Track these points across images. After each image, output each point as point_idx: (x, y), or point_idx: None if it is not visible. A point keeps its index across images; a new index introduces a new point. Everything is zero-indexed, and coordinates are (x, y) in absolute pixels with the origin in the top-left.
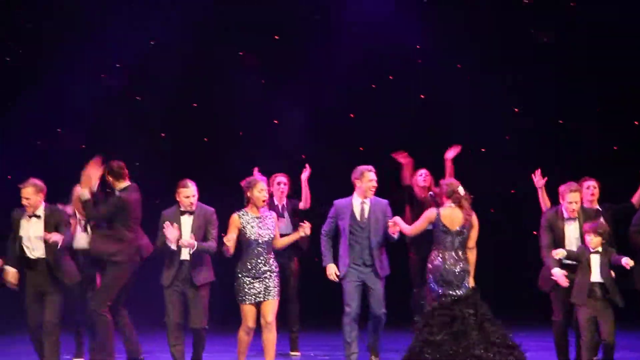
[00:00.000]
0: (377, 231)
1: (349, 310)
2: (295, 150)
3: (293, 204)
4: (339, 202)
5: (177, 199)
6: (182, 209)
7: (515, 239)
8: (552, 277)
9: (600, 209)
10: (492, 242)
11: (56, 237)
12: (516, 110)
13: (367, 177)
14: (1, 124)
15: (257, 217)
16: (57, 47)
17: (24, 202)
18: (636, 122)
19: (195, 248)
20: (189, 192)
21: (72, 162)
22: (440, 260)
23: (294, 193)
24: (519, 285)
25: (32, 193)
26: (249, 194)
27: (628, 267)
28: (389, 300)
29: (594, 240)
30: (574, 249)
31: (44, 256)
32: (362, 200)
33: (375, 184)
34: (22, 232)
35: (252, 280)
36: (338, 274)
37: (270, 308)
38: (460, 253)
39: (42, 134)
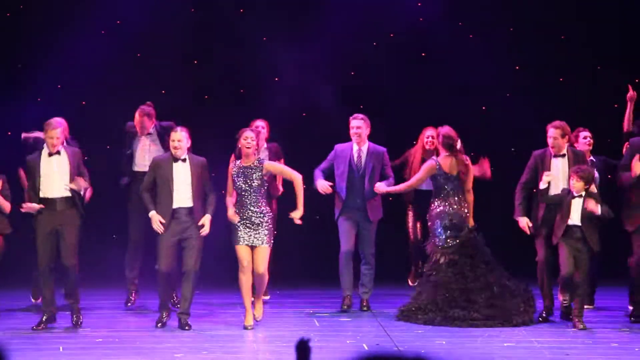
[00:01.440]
0: (372, 178)
1: (344, 249)
2: (296, 109)
3: (275, 148)
4: (338, 146)
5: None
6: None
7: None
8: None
9: (594, 160)
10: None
11: (84, 184)
12: (517, 67)
13: (351, 125)
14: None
15: (244, 167)
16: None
17: (52, 141)
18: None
19: None
20: (174, 137)
21: (73, 119)
22: (446, 205)
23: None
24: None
25: (60, 133)
26: (238, 144)
27: (596, 213)
28: (389, 257)
29: (576, 185)
30: (560, 184)
31: (63, 195)
32: (360, 147)
33: (356, 131)
34: (43, 172)
35: (243, 225)
36: (329, 188)
37: (261, 256)
38: (461, 197)
39: (42, 92)
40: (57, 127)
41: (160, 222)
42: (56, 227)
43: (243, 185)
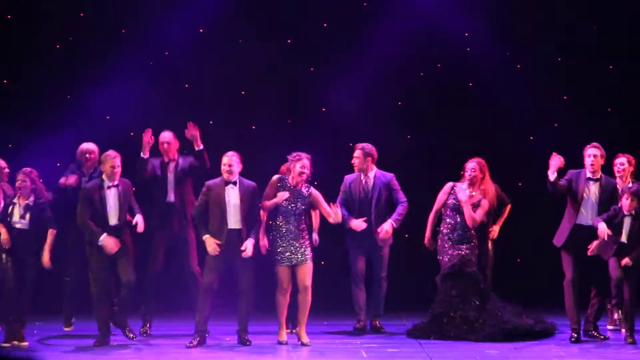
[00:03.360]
0: (379, 204)
1: (354, 272)
2: (344, 137)
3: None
4: (348, 177)
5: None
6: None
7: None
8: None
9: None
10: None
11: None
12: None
13: (354, 155)
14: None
15: (292, 187)
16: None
17: (116, 170)
18: None
19: None
20: (225, 161)
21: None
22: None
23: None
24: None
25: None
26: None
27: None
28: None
29: (630, 204)
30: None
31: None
32: (366, 174)
33: (354, 160)
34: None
35: (285, 244)
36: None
37: (304, 272)
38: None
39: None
40: (117, 156)
41: (217, 244)
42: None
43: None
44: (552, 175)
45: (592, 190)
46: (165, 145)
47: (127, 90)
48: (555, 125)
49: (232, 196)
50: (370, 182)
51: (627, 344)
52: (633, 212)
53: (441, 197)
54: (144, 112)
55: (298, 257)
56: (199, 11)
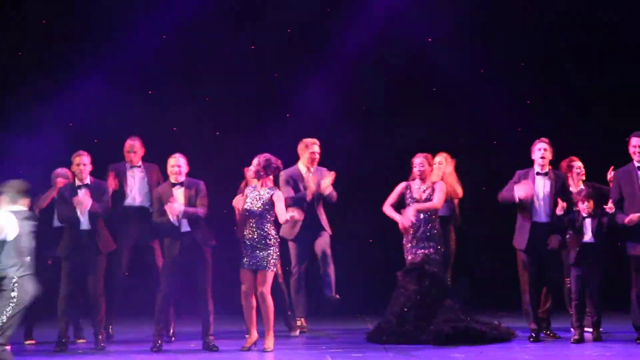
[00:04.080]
0: (321, 196)
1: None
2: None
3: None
4: (287, 171)
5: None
6: (172, 181)
7: None
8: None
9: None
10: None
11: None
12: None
13: (310, 149)
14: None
15: (253, 188)
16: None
17: (84, 168)
18: None
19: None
20: (172, 162)
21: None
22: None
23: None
24: None
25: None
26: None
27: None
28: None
29: (586, 206)
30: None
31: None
32: (307, 169)
33: (316, 156)
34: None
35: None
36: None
37: (261, 279)
38: None
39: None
40: (84, 155)
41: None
42: None
43: (246, 207)
44: (516, 197)
45: (543, 184)
46: (132, 155)
47: (92, 95)
48: (519, 129)
49: (180, 198)
50: (311, 176)
51: (591, 341)
52: (592, 212)
53: (393, 195)
54: (109, 118)
55: (258, 262)
56: (164, 16)
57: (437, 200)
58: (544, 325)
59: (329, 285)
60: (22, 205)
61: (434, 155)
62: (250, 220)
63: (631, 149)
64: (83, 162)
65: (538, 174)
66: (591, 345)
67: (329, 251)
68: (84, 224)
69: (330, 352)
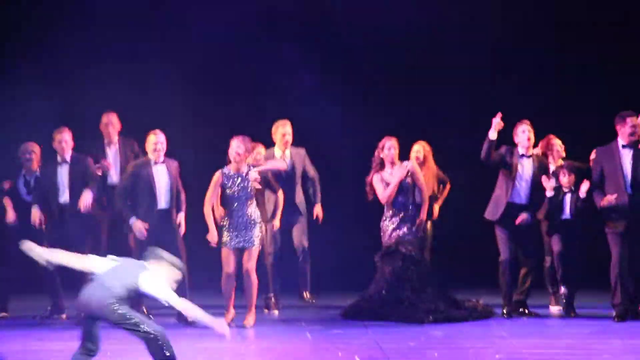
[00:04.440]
0: (299, 177)
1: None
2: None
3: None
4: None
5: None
6: (152, 159)
7: None
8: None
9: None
10: None
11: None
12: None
13: (280, 131)
14: None
15: (234, 174)
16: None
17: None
18: None
19: None
20: (153, 139)
21: None
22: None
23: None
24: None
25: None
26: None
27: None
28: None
29: (567, 180)
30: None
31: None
32: (282, 152)
33: (287, 138)
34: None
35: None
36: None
37: (247, 256)
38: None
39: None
40: (65, 131)
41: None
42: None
43: (227, 192)
44: (492, 134)
45: (526, 167)
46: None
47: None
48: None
49: (161, 176)
50: (289, 158)
51: (566, 317)
52: (572, 187)
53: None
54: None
55: (245, 241)
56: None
57: (423, 186)
58: (521, 305)
59: (304, 285)
60: None
61: (411, 144)
62: (235, 203)
63: (627, 129)
64: (64, 139)
65: (522, 156)
66: (569, 323)
67: (306, 243)
68: (63, 198)
69: (310, 329)
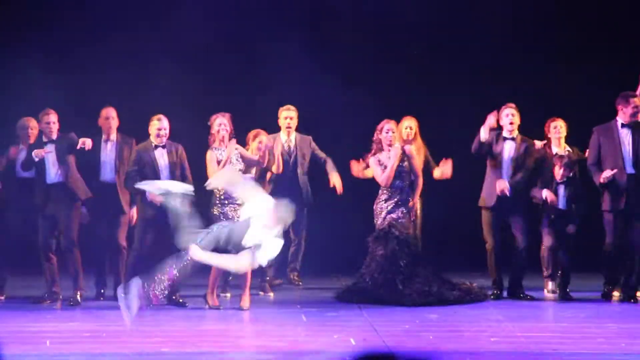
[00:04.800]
0: (303, 164)
1: None
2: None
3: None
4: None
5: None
6: (154, 142)
7: None
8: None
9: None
10: None
11: None
12: None
13: (282, 115)
14: None
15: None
16: None
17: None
18: None
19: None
20: (158, 125)
21: None
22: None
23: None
24: None
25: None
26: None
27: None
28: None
29: (561, 173)
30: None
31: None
32: (287, 136)
33: (289, 122)
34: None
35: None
36: None
37: None
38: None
39: None
40: (52, 113)
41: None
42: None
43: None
44: (484, 134)
45: (509, 149)
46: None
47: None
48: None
49: (163, 159)
50: (292, 144)
51: (561, 301)
52: (565, 179)
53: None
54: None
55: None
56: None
57: (419, 171)
58: (517, 288)
59: (294, 268)
60: None
61: (399, 120)
62: None
63: (630, 110)
64: (52, 120)
65: (505, 138)
66: (564, 306)
67: (304, 231)
68: (51, 176)
69: (305, 311)
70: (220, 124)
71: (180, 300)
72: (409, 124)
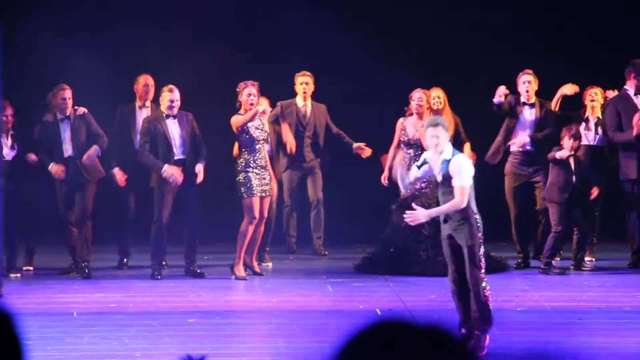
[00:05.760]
0: (319, 131)
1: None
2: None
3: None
4: (283, 103)
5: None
6: (165, 112)
7: None
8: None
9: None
10: None
11: None
12: None
13: (298, 81)
14: None
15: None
16: None
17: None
18: None
19: None
20: (170, 97)
21: None
22: None
23: None
24: None
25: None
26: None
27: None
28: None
29: (570, 145)
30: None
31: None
32: (304, 102)
33: (304, 87)
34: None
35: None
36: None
37: (267, 204)
38: None
39: None
40: (67, 89)
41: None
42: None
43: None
44: (497, 99)
45: (527, 114)
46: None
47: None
48: None
49: (175, 128)
50: (309, 109)
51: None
52: (574, 152)
53: (397, 133)
54: None
55: (266, 189)
56: None
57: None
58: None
59: (319, 237)
60: None
61: (428, 90)
62: (258, 145)
63: (521, 86)
64: (67, 95)
65: (524, 104)
66: (590, 276)
67: (321, 195)
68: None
69: (331, 282)
70: (250, 94)
71: (198, 271)
72: (437, 94)
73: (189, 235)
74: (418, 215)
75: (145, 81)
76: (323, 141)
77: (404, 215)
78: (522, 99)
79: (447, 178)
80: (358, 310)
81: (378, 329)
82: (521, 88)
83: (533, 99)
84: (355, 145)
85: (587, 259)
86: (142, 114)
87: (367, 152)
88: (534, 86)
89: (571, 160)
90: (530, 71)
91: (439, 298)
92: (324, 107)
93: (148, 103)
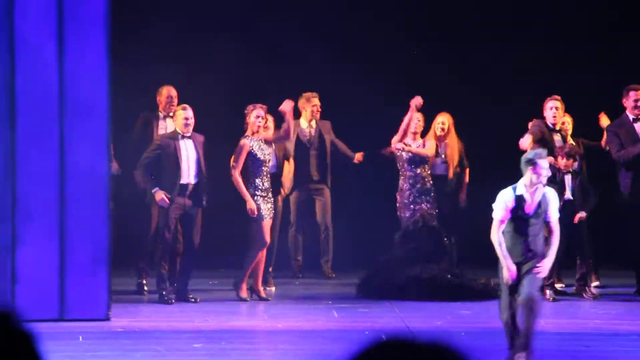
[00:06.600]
0: (324, 151)
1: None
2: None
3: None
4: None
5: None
6: (180, 132)
7: None
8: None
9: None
10: None
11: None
12: None
13: (311, 103)
14: None
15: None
16: None
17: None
18: None
19: None
20: (184, 115)
21: None
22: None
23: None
24: None
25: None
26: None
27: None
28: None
29: (564, 163)
30: None
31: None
32: (308, 122)
33: (316, 108)
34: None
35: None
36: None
37: (274, 226)
38: None
39: None
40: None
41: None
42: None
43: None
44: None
45: (556, 141)
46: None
47: None
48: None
49: (189, 150)
50: (314, 129)
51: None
52: (571, 169)
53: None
54: None
55: (271, 211)
56: None
57: (429, 148)
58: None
59: (326, 261)
60: None
61: (434, 115)
62: (263, 169)
63: (630, 103)
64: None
65: (552, 130)
66: (596, 304)
67: (329, 219)
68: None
69: (337, 307)
70: (258, 116)
71: (191, 297)
72: (442, 120)
73: (186, 259)
74: (547, 265)
75: (168, 92)
76: (330, 158)
77: (536, 269)
78: (550, 125)
79: (545, 211)
80: (364, 335)
81: (383, 347)
82: (548, 113)
83: (559, 126)
84: (355, 158)
85: (593, 284)
86: (167, 125)
87: (358, 158)
88: (561, 112)
89: (567, 180)
90: (559, 97)
91: (446, 324)
92: (328, 123)
93: (172, 113)
